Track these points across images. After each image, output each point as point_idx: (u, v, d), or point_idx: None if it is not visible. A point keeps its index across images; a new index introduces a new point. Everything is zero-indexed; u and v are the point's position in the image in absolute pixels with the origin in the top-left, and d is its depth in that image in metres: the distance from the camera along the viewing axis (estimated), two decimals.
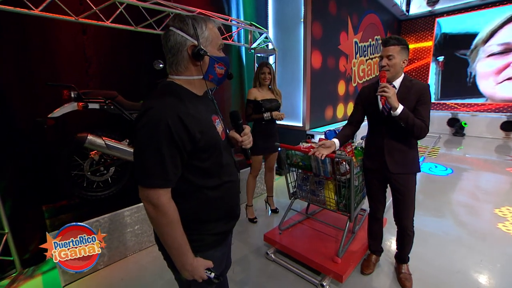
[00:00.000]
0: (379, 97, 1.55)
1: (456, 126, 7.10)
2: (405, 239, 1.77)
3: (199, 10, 2.70)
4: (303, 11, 3.93)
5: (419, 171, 1.68)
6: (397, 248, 1.88)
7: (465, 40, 7.02)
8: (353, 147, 1.90)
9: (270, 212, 2.93)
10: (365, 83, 5.98)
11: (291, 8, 4.06)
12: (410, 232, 1.73)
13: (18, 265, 1.98)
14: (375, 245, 1.97)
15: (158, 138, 0.76)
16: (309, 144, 1.98)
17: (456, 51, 7.19)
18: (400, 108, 1.48)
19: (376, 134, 1.71)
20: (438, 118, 7.50)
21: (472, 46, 6.90)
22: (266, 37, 3.41)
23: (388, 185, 1.76)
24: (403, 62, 1.59)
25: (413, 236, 1.76)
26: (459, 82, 7.23)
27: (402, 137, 1.61)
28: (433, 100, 7.68)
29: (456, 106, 7.41)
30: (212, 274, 0.91)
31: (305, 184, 2.10)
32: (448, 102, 7.54)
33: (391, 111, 1.51)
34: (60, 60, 2.13)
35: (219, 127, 0.95)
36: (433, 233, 2.47)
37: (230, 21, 3.04)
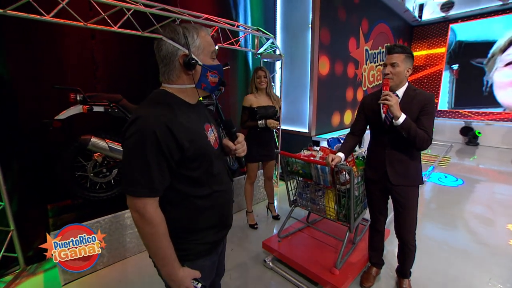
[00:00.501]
0: (381, 105, 1.52)
1: (469, 135, 6.86)
2: (406, 253, 1.70)
3: (205, 16, 2.73)
4: (311, 16, 3.92)
5: (422, 183, 1.62)
6: (398, 262, 1.82)
7: (482, 48, 6.78)
8: (354, 157, 1.86)
9: (271, 218, 2.91)
10: (375, 88, 5.93)
11: (299, 13, 4.06)
12: (412, 246, 1.67)
13: (21, 262, 2.03)
14: (375, 257, 1.92)
15: (145, 147, 0.76)
16: (310, 152, 1.96)
17: (472, 59, 6.97)
18: (402, 117, 1.45)
19: (378, 144, 1.67)
20: (450, 127, 7.28)
21: (489, 55, 6.66)
22: (272, 43, 3.41)
23: (390, 196, 1.72)
24: (407, 71, 1.55)
25: (415, 250, 1.70)
26: (475, 91, 6.98)
27: (404, 147, 1.57)
28: (446, 109, 7.47)
29: (469, 114, 7.17)
30: (199, 285, 0.90)
31: (305, 192, 2.07)
32: (461, 110, 7.30)
33: (393, 120, 1.47)
34: (69, 63, 2.20)
35: (212, 136, 0.94)
36: (439, 246, 2.38)
37: (237, 26, 3.06)
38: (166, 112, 0.80)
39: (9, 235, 1.95)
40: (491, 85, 6.74)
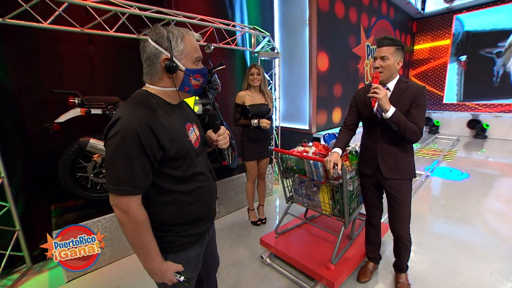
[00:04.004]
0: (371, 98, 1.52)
1: (477, 128, 6.71)
2: (401, 247, 1.69)
3: (200, 16, 2.76)
4: (308, 13, 3.91)
5: (414, 176, 1.61)
6: (394, 257, 1.81)
7: (491, 37, 6.57)
8: (347, 151, 1.86)
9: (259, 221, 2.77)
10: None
11: (296, 10, 4.06)
12: (406, 241, 1.66)
13: (28, 260, 2.11)
14: (372, 252, 1.91)
15: (128, 147, 0.77)
16: (304, 148, 1.96)
17: (481, 49, 6.77)
18: (391, 110, 1.44)
19: (370, 138, 1.67)
20: (456, 120, 7.13)
21: (506, 45, 6.40)
22: (269, 41, 3.42)
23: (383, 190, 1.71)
24: (398, 64, 1.54)
25: (410, 244, 1.68)
26: (485, 82, 6.77)
27: (396, 141, 1.56)
28: (454, 102, 7.30)
29: (477, 107, 6.99)
30: (182, 278, 0.93)
31: (301, 188, 2.08)
32: (468, 102, 7.12)
33: (383, 113, 1.47)
34: (68, 69, 2.26)
35: (193, 135, 0.96)
36: (440, 240, 2.35)
37: (232, 25, 3.09)
38: (147, 113, 0.82)
39: (15, 235, 2.03)
40: (509, 75, 6.46)
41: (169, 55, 0.85)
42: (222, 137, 1.05)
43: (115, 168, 0.79)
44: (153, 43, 0.85)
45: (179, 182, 0.91)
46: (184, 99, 1.03)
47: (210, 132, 1.06)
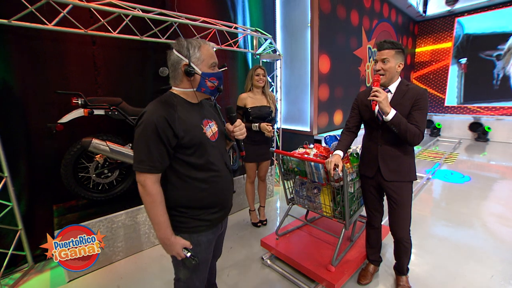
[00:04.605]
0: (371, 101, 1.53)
1: (478, 131, 6.69)
2: (401, 250, 1.69)
3: (202, 19, 2.78)
4: (309, 15, 3.93)
5: (415, 179, 1.61)
6: (395, 259, 1.81)
7: (491, 40, 6.59)
8: (348, 154, 1.86)
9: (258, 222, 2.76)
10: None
11: (298, 13, 4.08)
12: (406, 244, 1.66)
13: (30, 260, 2.12)
14: (373, 254, 1.91)
15: (147, 134, 0.96)
16: (305, 150, 1.97)
17: (481, 52, 6.79)
18: (392, 113, 1.45)
19: (371, 140, 1.68)
20: (458, 123, 7.12)
21: (506, 48, 6.42)
22: (270, 43, 3.44)
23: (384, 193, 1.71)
24: (399, 66, 1.55)
25: (411, 247, 1.68)
26: (485, 85, 6.78)
27: (397, 143, 1.57)
28: (454, 104, 7.30)
29: (478, 109, 6.98)
30: (189, 254, 1.04)
31: (302, 190, 2.08)
32: (469, 105, 7.12)
33: (384, 116, 1.47)
34: (71, 70, 2.28)
35: (210, 130, 1.10)
36: (441, 243, 2.35)
37: (234, 28, 3.11)
38: (166, 108, 1.00)
39: (18, 234, 2.04)
40: (509, 78, 6.46)
41: (187, 61, 1.02)
42: (238, 128, 1.16)
43: (138, 150, 0.98)
44: (175, 52, 1.03)
45: (194, 169, 1.05)
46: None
47: (227, 124, 1.19)
